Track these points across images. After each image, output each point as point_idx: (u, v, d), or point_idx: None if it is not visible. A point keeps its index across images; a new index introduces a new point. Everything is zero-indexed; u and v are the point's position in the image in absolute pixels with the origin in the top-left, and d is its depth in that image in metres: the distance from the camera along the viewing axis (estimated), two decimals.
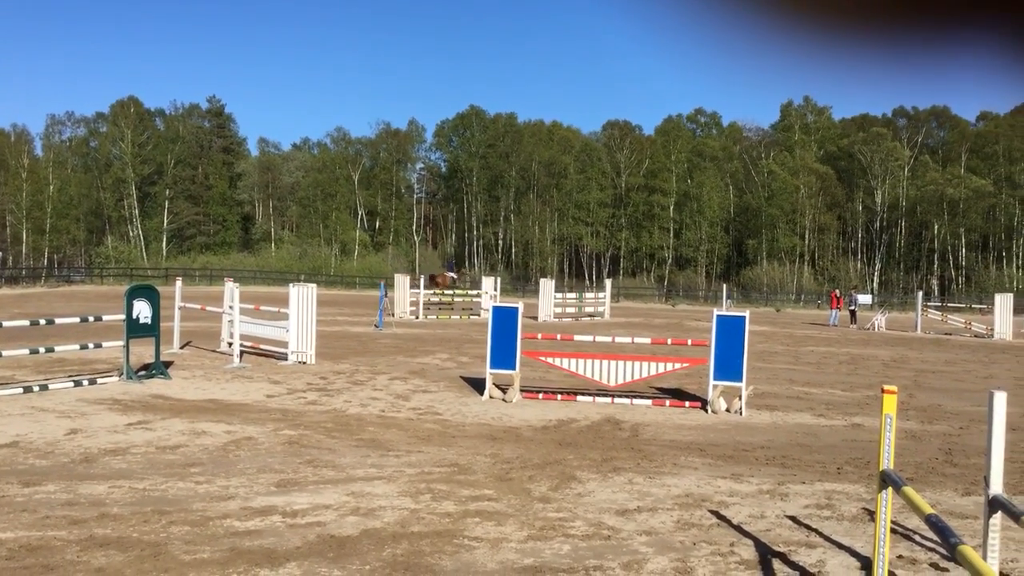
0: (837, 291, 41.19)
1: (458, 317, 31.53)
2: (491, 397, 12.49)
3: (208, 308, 18.47)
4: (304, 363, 15.82)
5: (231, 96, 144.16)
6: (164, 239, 77.27)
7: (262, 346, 16.95)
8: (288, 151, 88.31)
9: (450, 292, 33.45)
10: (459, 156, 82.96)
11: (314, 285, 16.82)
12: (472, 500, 6.84)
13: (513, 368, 12.45)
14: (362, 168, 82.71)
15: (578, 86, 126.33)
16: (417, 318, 30.15)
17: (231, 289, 16.70)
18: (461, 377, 14.73)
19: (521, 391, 12.65)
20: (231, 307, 16.27)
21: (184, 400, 11.58)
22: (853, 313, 36.67)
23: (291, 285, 16.30)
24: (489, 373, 12.61)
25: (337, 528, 5.96)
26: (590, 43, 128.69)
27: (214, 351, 17.42)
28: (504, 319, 12.56)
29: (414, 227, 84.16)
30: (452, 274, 37.23)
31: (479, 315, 31.07)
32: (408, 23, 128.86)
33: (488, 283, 34.21)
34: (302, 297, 15.96)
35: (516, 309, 12.74)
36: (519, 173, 78.90)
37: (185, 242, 78.12)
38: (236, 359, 15.34)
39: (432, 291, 32.26)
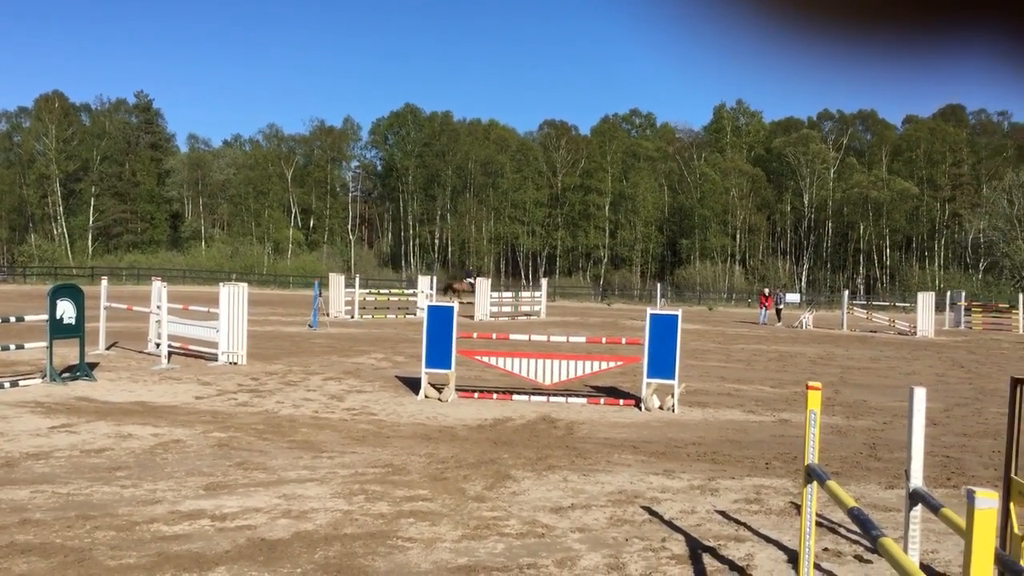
0: (766, 290, 42.12)
1: (394, 317, 31.33)
2: (426, 397, 12.45)
3: (135, 308, 18.01)
4: (235, 364, 15.54)
5: (159, 92, 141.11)
6: (90, 237, 75.14)
7: (191, 347, 16.60)
8: (219, 148, 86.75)
9: (397, 292, 33.40)
10: (395, 154, 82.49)
11: (245, 284, 16.53)
12: (406, 500, 6.80)
13: (449, 367, 12.43)
14: (295, 166, 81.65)
15: (515, 85, 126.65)
16: (352, 318, 29.87)
17: (158, 288, 16.31)
18: (396, 377, 14.64)
19: (457, 390, 12.63)
20: (159, 307, 15.90)
21: (110, 402, 11.28)
22: (779, 311, 37.54)
23: (221, 284, 16.00)
24: (424, 373, 12.56)
25: (268, 531, 5.86)
26: (526, 43, 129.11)
27: (141, 352, 17.00)
28: (439, 318, 12.52)
29: (349, 226, 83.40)
30: (470, 280, 37.91)
31: (415, 315, 30.93)
32: (342, 20, 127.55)
33: (424, 282, 34.08)
34: (233, 296, 15.68)
35: (451, 308, 12.72)
36: (455, 172, 78.78)
37: (112, 240, 76.07)
38: (164, 360, 14.99)
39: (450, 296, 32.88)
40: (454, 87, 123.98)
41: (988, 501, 2.53)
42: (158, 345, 15.79)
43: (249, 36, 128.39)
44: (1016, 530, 4.78)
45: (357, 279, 32.15)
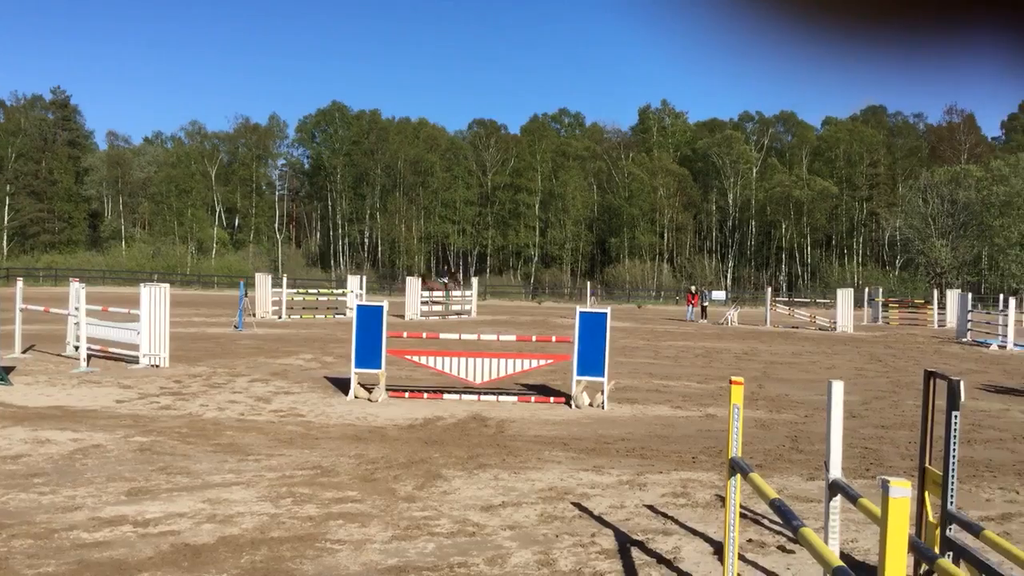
0: (693, 288, 42.89)
1: (323, 316, 30.96)
2: (356, 397, 12.33)
3: (52, 310, 17.43)
4: (157, 366, 15.16)
5: (77, 87, 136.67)
6: (4, 237, 72.37)
7: (111, 349, 16.14)
8: (140, 145, 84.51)
9: (326, 292, 33.08)
10: (323, 153, 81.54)
11: (167, 285, 16.12)
12: (335, 502, 6.73)
13: (379, 367, 12.33)
14: (220, 163, 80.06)
15: (444, 84, 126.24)
16: (280, 318, 29.42)
17: (77, 290, 15.81)
18: (325, 377, 14.47)
19: (387, 390, 12.54)
20: (77, 308, 15.41)
21: (26, 407, 10.88)
22: (704, 309, 38.27)
23: (143, 285, 15.59)
24: (354, 373, 12.44)
25: (192, 536, 5.73)
26: (455, 41, 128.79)
27: (59, 355, 16.45)
28: (369, 318, 12.42)
29: (276, 225, 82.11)
30: (444, 279, 37.90)
31: (344, 314, 30.62)
32: (266, 16, 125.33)
33: (353, 281, 33.77)
34: (154, 297, 15.29)
35: (381, 308, 12.62)
36: (385, 171, 78.21)
37: (28, 240, 73.44)
38: (83, 363, 14.54)
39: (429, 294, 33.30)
40: (382, 85, 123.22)
41: (901, 490, 2.61)
42: (77, 348, 15.32)
43: (170, 31, 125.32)
44: (931, 518, 4.96)
45: (284, 279, 31.73)
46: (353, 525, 6.11)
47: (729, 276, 76.16)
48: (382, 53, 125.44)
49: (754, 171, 76.71)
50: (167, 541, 5.61)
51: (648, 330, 29.80)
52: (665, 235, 76.97)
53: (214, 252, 74.51)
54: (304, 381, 14.06)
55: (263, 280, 30.63)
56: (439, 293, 34.53)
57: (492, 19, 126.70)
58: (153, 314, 15.22)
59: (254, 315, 28.36)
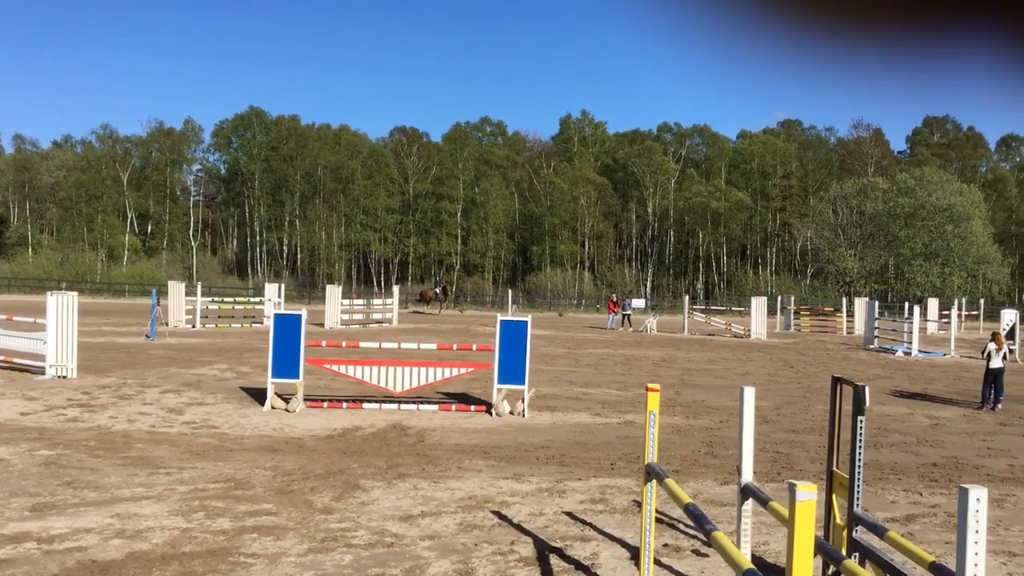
0: (613, 296, 43.41)
1: (239, 325, 30.32)
2: (273, 408, 12.10)
3: None
4: (64, 377, 14.61)
5: None
6: None
7: (16, 360, 15.50)
8: (48, 149, 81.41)
9: (243, 300, 32.47)
10: (240, 158, 79.95)
11: (75, 293, 15.57)
12: (249, 515, 6.59)
13: (296, 377, 12.13)
14: (132, 168, 77.82)
15: (365, 90, 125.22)
16: (194, 327, 28.70)
17: None
18: (241, 388, 14.16)
19: (305, 400, 12.34)
20: None
21: None
22: (626, 317, 38.76)
23: (49, 293, 15.02)
24: (271, 383, 12.21)
25: (100, 552, 5.54)
26: (376, 47, 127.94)
27: None
28: (287, 327, 12.21)
29: (191, 231, 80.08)
30: (437, 289, 38.43)
31: (261, 323, 30.03)
32: (181, 17, 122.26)
33: (271, 290, 33.18)
34: (62, 306, 14.74)
35: (299, 316, 12.43)
36: (304, 177, 77.10)
37: None
38: None
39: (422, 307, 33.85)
40: (302, 91, 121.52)
41: (807, 493, 2.69)
42: None
43: (80, 31, 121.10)
44: (838, 520, 5.12)
45: (199, 287, 30.92)
46: (268, 538, 5.99)
47: (648, 284, 77.38)
48: (302, 58, 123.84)
49: (672, 182, 78.20)
50: (73, 558, 5.41)
51: (569, 338, 30.04)
52: (586, 244, 77.81)
53: (125, 259, 72.30)
54: (218, 392, 13.73)
55: (176, 288, 29.84)
56: (430, 305, 35.84)
57: (413, 26, 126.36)
58: (60, 323, 14.68)
59: (167, 324, 27.59)
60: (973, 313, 43.33)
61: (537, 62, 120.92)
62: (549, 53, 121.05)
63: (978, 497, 2.96)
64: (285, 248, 78.95)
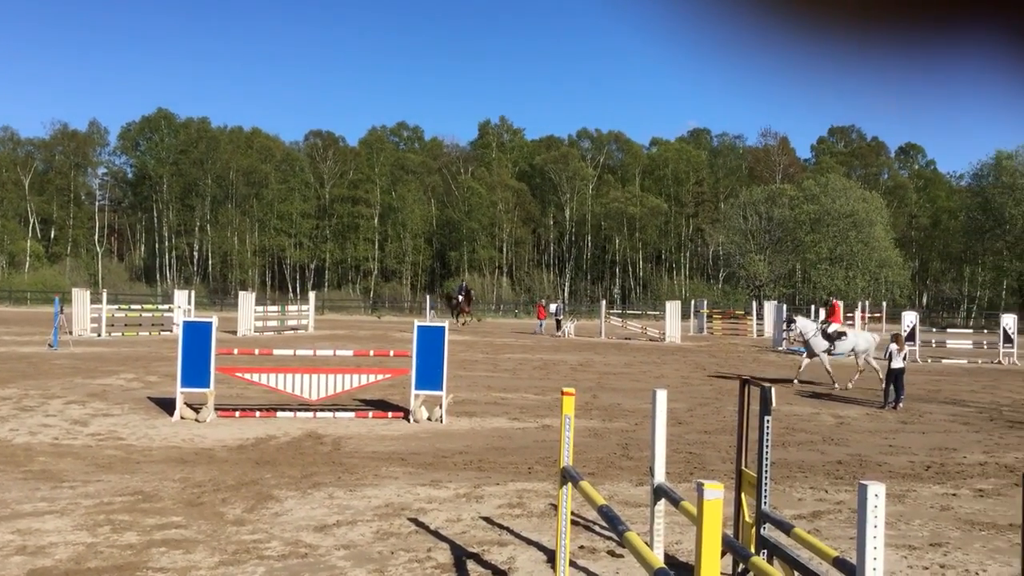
0: (543, 301, 43.64)
1: (147, 334, 29.42)
2: (183, 418, 11.77)
3: None
4: None
5: None
6: None
7: None
8: None
9: (151, 308, 31.49)
10: (147, 162, 77.55)
11: None
12: (158, 529, 6.39)
13: (207, 386, 11.84)
14: (34, 172, 74.72)
15: (279, 93, 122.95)
16: (99, 336, 27.72)
17: None
18: (149, 398, 13.73)
19: (216, 410, 12.05)
20: None
21: None
22: (559, 322, 38.81)
23: None
24: (180, 392, 11.88)
25: None
26: (289, 48, 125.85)
27: None
28: (197, 334, 11.91)
29: (96, 237, 77.35)
30: (459, 295, 38.33)
31: (171, 331, 29.20)
32: (84, 14, 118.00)
33: (181, 297, 32.31)
34: None
35: (210, 324, 12.13)
36: (216, 181, 75.23)
37: None
38: None
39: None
40: (212, 92, 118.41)
41: (715, 492, 2.75)
42: None
43: None
44: (747, 518, 5.25)
45: (105, 294, 29.94)
46: (177, 552, 5.82)
47: (566, 289, 78.05)
48: (212, 58, 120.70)
49: (590, 187, 79.11)
50: None
51: (487, 343, 30.08)
52: (504, 249, 78.05)
53: (27, 266, 69.41)
54: (125, 402, 13.29)
55: (81, 295, 28.80)
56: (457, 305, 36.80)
57: (328, 27, 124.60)
58: None
59: (71, 333, 26.60)
60: (876, 315, 45.00)
61: (456, 67, 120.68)
62: (467, 57, 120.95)
63: (876, 493, 3.07)
64: (196, 254, 76.91)
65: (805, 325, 18.72)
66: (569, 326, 37.32)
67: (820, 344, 17.92)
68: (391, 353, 14.54)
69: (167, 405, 12.52)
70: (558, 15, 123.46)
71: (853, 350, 18.42)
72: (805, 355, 18.58)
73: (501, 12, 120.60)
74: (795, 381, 17.44)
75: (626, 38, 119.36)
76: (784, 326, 17.73)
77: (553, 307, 40.92)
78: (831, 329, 18.15)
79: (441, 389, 12.09)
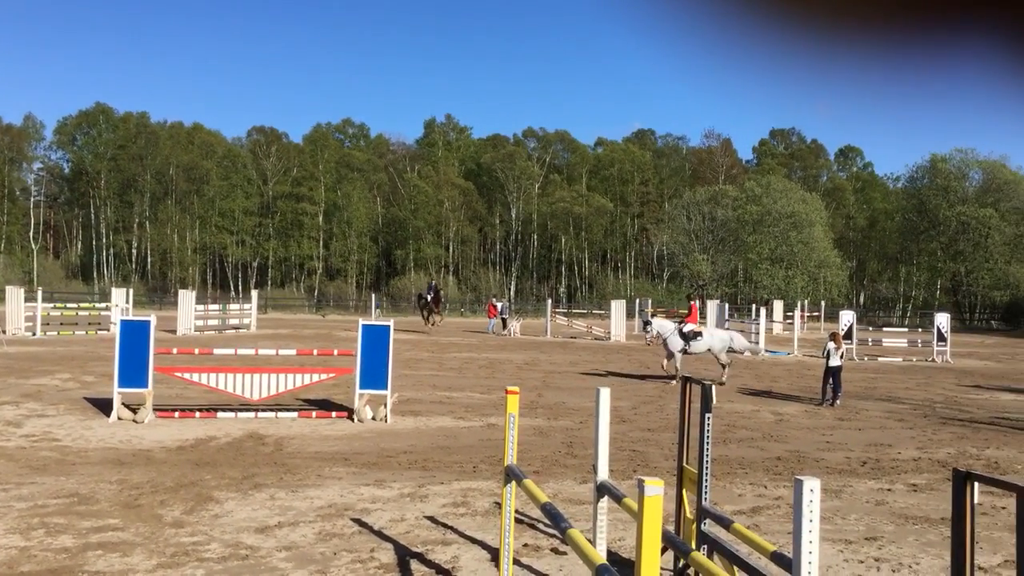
0: (494, 300, 43.65)
1: (84, 333, 28.72)
2: (120, 419, 11.52)
3: None
4: None
5: None
6: None
7: None
8: None
9: (87, 306, 30.64)
10: (85, 157, 75.62)
11: None
12: (94, 531, 6.25)
13: (145, 386, 11.60)
14: None
15: (220, 88, 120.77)
16: (34, 335, 26.99)
17: None
18: (85, 399, 13.41)
19: (155, 410, 11.82)
20: None
21: None
22: (505, 321, 38.91)
23: None
24: (117, 392, 11.63)
25: None
26: (230, 43, 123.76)
27: None
28: (134, 333, 11.66)
29: (31, 233, 75.18)
30: (428, 295, 37.52)
31: (108, 330, 28.55)
32: (19, 4, 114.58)
33: (118, 295, 31.60)
34: None
35: (148, 322, 11.90)
36: (155, 177, 73.70)
37: None
38: None
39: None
40: (152, 87, 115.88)
41: (655, 489, 2.79)
42: None
43: None
44: (688, 514, 5.32)
45: (39, 292, 29.14)
46: (114, 555, 5.70)
47: (513, 288, 78.18)
48: (152, 53, 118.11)
49: (536, 187, 79.34)
50: None
51: (433, 342, 29.99)
52: (451, 248, 77.86)
53: None
54: (60, 403, 12.97)
55: (14, 294, 28.02)
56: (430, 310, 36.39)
57: (270, 22, 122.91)
58: None
59: (4, 332, 25.85)
60: (815, 314, 46.01)
61: (402, 65, 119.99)
62: (414, 55, 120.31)
63: (812, 488, 3.14)
64: (134, 251, 75.22)
65: (662, 325, 19.22)
66: (515, 325, 37.40)
67: (677, 343, 18.29)
68: (335, 352, 14.41)
69: (104, 406, 12.24)
70: (504, 14, 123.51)
71: (709, 349, 18.88)
72: (665, 355, 18.93)
73: (447, 10, 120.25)
74: (674, 382, 17.49)
75: (572, 41, 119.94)
76: (642, 327, 18.23)
77: (499, 305, 41.00)
78: (687, 329, 18.57)
79: (386, 388, 12.03)
